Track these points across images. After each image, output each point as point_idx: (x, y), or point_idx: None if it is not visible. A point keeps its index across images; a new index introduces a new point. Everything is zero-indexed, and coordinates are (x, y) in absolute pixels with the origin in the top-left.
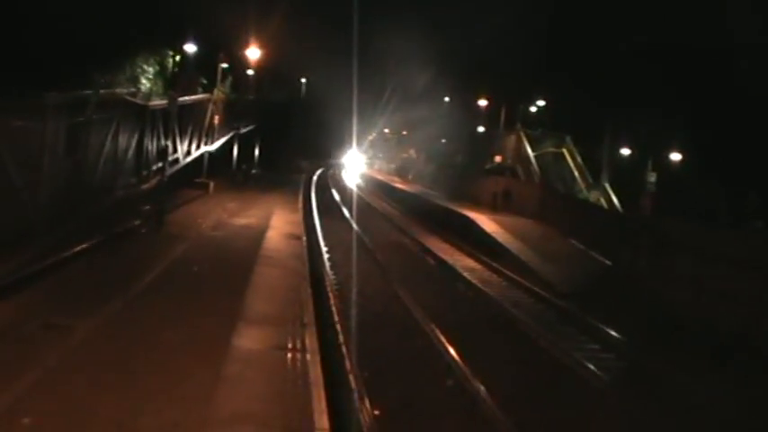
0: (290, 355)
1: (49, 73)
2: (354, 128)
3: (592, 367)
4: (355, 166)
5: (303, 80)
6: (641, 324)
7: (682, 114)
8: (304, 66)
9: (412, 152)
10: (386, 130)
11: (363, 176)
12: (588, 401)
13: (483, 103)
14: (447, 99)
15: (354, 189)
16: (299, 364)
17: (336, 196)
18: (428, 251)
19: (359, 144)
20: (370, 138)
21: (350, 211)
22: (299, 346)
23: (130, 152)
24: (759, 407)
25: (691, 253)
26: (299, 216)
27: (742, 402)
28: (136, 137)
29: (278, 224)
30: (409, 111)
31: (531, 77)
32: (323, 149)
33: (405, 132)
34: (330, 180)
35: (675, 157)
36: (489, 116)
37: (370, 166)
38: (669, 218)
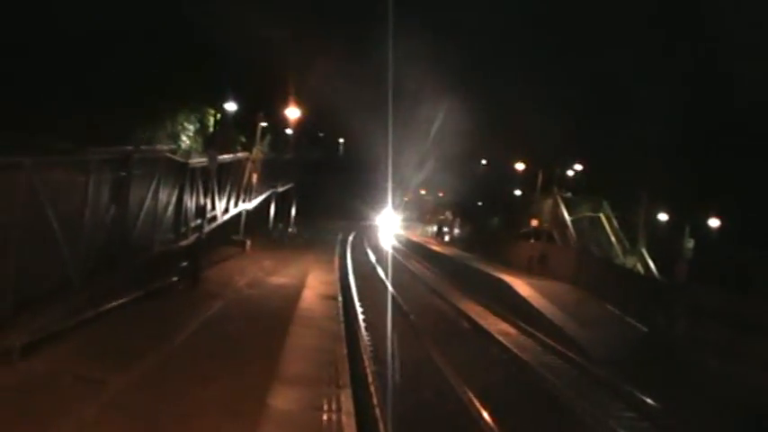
0: (325, 416)
1: (91, 127)
2: (389, 188)
3: None
4: (390, 226)
5: (341, 140)
6: (676, 393)
7: (720, 180)
8: (342, 126)
9: (448, 214)
10: (422, 192)
11: (398, 238)
12: None
13: (520, 166)
14: (484, 162)
15: (389, 250)
16: (334, 425)
17: (372, 257)
18: (463, 314)
19: (394, 205)
20: (406, 199)
21: (385, 272)
22: (334, 407)
23: (170, 209)
24: None
25: (727, 321)
26: (335, 276)
27: None
28: (175, 193)
29: (313, 284)
30: (446, 172)
31: (569, 142)
32: (359, 210)
33: (441, 194)
34: (366, 241)
35: (714, 223)
36: (526, 179)
37: (406, 227)
38: (705, 285)
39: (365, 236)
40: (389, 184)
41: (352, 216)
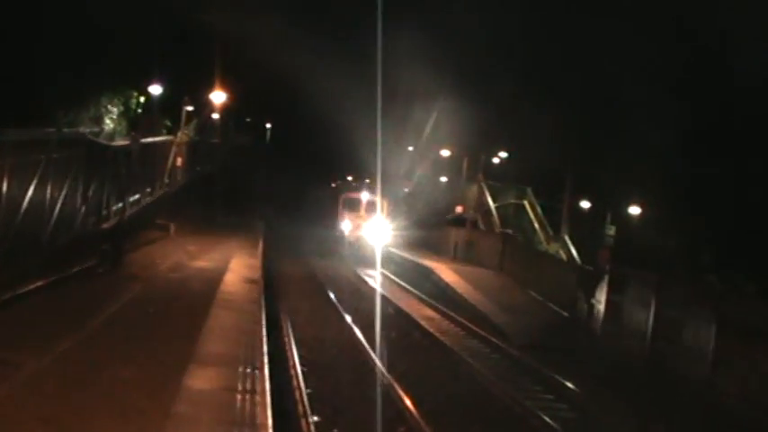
0: (239, 396)
1: (11, 109)
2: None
3: (546, 418)
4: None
5: (268, 125)
6: (596, 376)
7: (640, 169)
8: (270, 111)
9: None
10: (349, 178)
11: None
12: None
13: (445, 153)
14: (410, 149)
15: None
16: (248, 405)
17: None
18: (386, 299)
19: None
20: (334, 185)
21: (306, 259)
22: (249, 387)
23: (91, 191)
24: None
25: (646, 304)
26: (258, 261)
27: None
28: (97, 176)
29: (236, 268)
30: (372, 159)
31: (494, 129)
32: (292, 195)
33: (367, 180)
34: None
35: (634, 210)
36: (451, 166)
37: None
38: (626, 270)
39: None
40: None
41: (286, 202)
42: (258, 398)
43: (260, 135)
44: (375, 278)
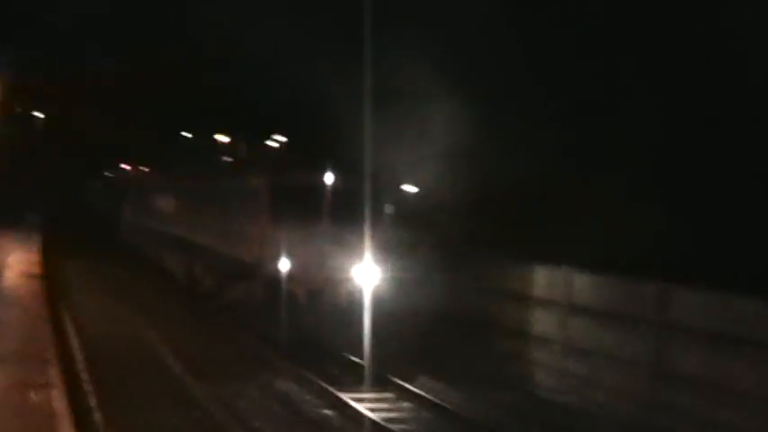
0: (33, 390)
1: None
2: None
3: None
4: None
5: (39, 114)
6: None
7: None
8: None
9: None
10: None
11: None
12: None
13: (224, 138)
14: (188, 135)
15: None
16: (43, 398)
17: None
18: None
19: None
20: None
21: None
22: (42, 381)
23: None
24: None
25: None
26: (36, 256)
27: None
28: None
29: (14, 263)
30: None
31: (272, 113)
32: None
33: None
34: None
35: (411, 188)
36: (232, 152)
37: None
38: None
39: None
40: None
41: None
42: (53, 391)
43: (29, 125)
44: None
